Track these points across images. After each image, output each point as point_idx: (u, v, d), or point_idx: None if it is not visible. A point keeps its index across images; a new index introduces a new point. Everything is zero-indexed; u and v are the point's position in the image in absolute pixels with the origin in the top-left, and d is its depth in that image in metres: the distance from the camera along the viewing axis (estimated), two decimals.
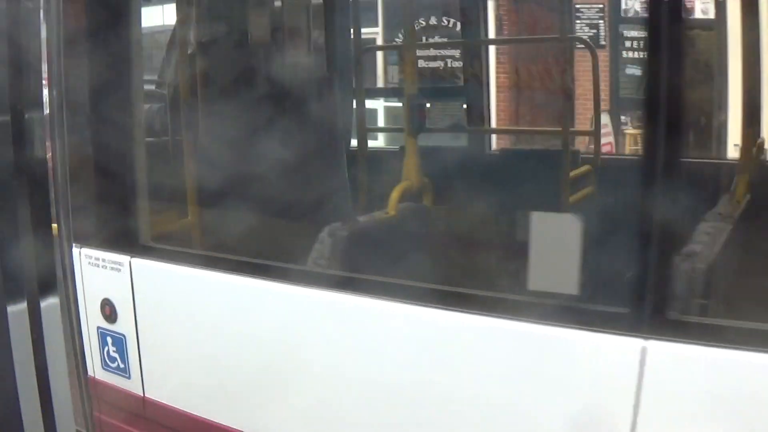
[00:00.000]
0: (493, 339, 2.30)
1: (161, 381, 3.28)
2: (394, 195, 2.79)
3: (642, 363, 2.10)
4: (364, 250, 2.79)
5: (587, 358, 2.22)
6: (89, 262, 3.34)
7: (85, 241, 3.34)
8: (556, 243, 2.22)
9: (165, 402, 3.28)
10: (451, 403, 2.43)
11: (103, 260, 3.29)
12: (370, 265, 2.72)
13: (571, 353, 2.24)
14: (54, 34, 3.20)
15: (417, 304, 2.44)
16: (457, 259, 2.65)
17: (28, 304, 3.37)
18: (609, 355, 2.18)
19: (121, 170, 3.18)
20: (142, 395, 3.34)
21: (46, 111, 3.30)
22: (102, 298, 3.33)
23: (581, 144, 5.64)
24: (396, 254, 2.68)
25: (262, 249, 3.10)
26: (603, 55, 11.87)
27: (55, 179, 3.39)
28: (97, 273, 3.32)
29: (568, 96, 4.34)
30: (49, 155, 3.39)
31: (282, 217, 3.16)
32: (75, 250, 3.38)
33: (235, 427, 3.07)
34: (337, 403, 2.79)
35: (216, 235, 3.37)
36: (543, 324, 2.24)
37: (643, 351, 2.10)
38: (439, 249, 2.73)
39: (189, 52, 4.02)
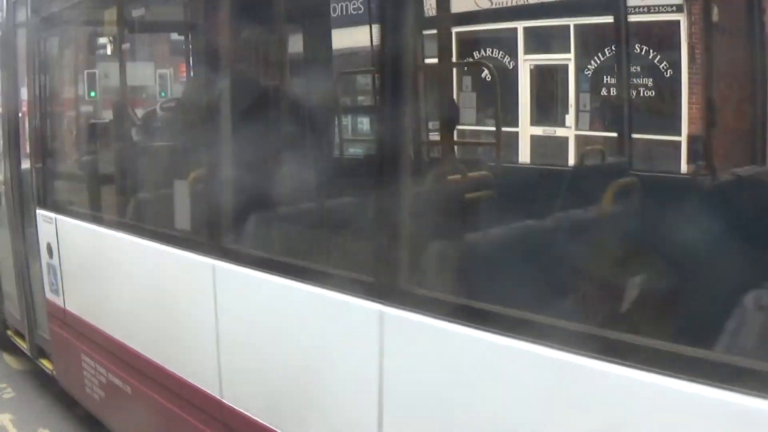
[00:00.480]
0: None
1: (72, 296, 5.02)
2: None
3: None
4: None
5: None
6: (42, 219, 5.19)
7: (41, 205, 5.22)
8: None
9: (74, 311, 5.00)
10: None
11: (46, 217, 5.12)
12: None
13: None
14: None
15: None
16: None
17: None
18: None
19: (54, 160, 5.06)
20: (63, 307, 5.09)
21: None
22: (47, 241, 5.16)
23: None
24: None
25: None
26: None
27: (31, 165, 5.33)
28: (45, 225, 5.16)
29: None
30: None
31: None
32: (37, 211, 5.26)
33: (114, 335, 4.64)
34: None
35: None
36: None
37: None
38: None
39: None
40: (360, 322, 2.74)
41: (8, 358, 6.97)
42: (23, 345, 6.05)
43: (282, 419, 3.22)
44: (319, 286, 2.87)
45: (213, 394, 3.61)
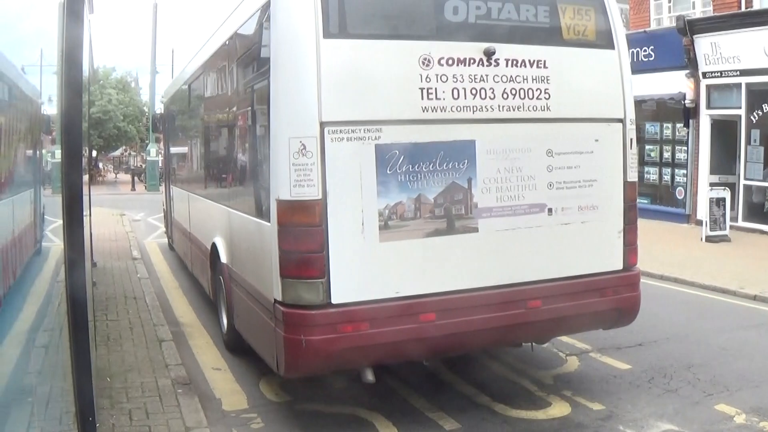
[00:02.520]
0: None
1: (174, 213, 15.22)
2: None
3: None
4: None
5: None
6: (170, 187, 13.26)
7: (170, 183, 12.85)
8: None
9: (176, 218, 14.86)
10: None
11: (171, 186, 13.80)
12: None
13: None
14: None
15: None
16: None
17: None
18: None
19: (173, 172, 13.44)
20: (173, 217, 15.36)
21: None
22: (170, 195, 15.47)
23: None
24: None
25: None
26: None
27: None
28: (170, 189, 15.14)
29: None
30: None
31: None
32: (170, 185, 11.23)
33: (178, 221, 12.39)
34: None
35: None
36: None
37: None
38: None
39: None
40: None
41: (264, 387, 7.54)
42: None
43: None
44: None
45: None
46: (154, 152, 43.07)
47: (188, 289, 12.53)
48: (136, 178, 45.93)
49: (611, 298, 6.92)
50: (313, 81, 5.78)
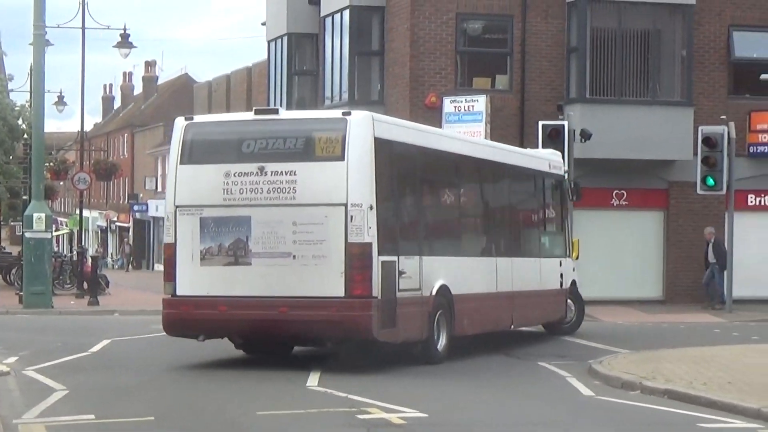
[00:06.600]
0: None
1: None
2: None
3: None
4: None
5: None
6: None
7: None
8: None
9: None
10: None
11: None
12: None
13: None
14: None
15: None
16: None
17: None
18: None
19: None
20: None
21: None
22: None
23: None
24: None
25: None
26: None
27: None
28: None
29: None
30: None
31: None
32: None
33: None
34: None
35: None
36: None
37: None
38: None
39: None
40: None
41: None
42: None
43: None
44: None
45: None
46: (43, 221, 21.97)
47: None
48: None
49: (334, 314, 11.14)
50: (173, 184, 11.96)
